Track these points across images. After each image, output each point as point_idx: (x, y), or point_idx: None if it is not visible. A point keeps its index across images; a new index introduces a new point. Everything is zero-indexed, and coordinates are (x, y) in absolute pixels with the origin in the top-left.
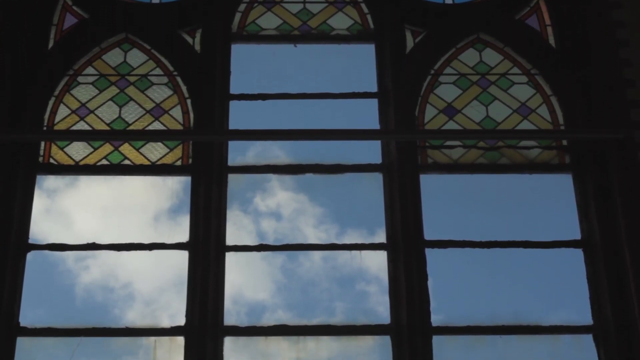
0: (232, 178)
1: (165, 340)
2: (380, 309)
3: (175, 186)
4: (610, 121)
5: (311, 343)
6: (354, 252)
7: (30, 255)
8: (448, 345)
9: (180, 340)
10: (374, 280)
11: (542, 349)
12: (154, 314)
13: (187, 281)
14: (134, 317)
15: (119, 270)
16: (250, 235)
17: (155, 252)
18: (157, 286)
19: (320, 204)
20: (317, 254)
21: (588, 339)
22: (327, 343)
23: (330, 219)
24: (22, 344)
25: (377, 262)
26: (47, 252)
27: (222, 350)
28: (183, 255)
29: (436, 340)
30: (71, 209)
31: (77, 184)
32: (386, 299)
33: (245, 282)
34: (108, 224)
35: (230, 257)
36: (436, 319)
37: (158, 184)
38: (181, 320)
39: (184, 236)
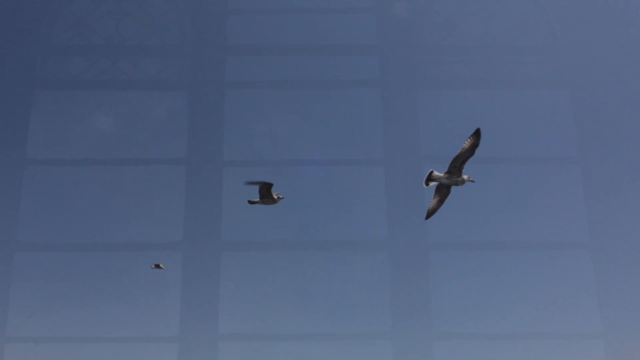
0: (228, 98)
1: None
2: None
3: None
4: None
5: None
6: None
7: (29, 178)
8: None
9: (177, 255)
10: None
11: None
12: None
13: (186, 197)
14: (132, 236)
15: (116, 190)
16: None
17: (150, 169)
18: (155, 205)
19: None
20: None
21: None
22: None
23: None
24: (21, 258)
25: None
26: (45, 171)
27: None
28: (179, 171)
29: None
30: (68, 129)
31: (74, 105)
32: None
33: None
34: (105, 143)
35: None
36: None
37: (156, 102)
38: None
39: (181, 154)
